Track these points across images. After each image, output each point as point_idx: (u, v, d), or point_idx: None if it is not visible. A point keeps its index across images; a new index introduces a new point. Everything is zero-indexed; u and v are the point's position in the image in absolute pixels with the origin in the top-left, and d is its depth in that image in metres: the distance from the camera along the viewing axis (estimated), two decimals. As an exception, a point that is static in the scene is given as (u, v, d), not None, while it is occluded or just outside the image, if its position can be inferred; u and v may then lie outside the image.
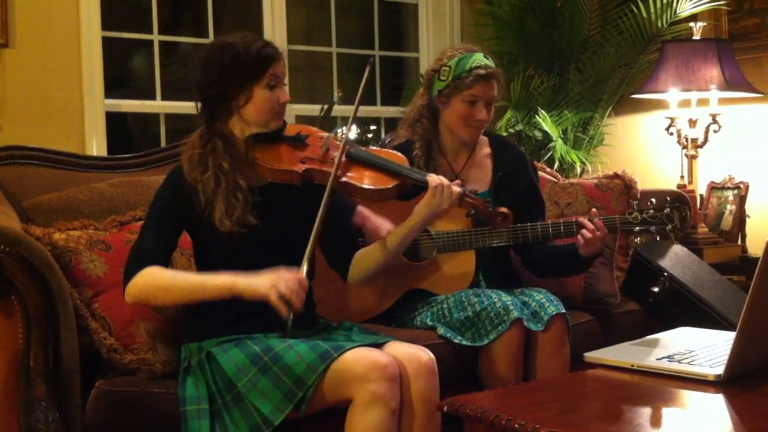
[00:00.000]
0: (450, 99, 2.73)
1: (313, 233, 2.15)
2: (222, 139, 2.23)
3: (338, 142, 2.32)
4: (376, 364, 2.03)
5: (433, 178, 2.35)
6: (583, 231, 2.54)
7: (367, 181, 2.32)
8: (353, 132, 4.55)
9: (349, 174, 2.31)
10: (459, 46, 2.84)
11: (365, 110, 4.61)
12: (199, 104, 2.26)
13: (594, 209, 2.64)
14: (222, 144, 2.22)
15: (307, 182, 2.25)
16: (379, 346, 2.16)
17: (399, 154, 2.45)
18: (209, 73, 2.22)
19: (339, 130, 4.40)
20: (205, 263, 2.28)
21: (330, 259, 2.43)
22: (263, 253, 2.20)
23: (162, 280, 2.12)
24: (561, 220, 2.67)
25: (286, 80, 2.32)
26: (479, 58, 2.70)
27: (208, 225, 2.18)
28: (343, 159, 2.31)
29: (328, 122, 3.96)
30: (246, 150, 2.27)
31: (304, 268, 2.10)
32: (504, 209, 2.47)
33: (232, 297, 2.10)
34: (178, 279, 2.15)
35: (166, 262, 2.20)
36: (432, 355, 2.17)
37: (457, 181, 2.43)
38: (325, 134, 2.39)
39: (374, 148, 2.47)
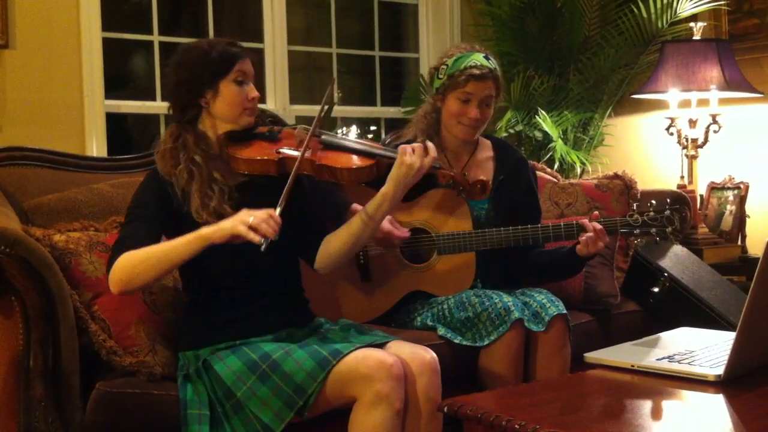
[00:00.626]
0: (445, 96, 2.74)
1: (289, 179, 2.14)
2: (193, 134, 2.26)
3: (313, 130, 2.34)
4: (382, 363, 2.03)
5: (403, 146, 2.36)
6: (585, 232, 2.55)
7: (341, 162, 2.33)
8: (353, 133, 4.56)
9: (324, 157, 2.32)
10: (464, 45, 2.85)
11: (365, 111, 4.61)
12: (170, 105, 2.31)
13: (596, 212, 2.64)
14: (193, 139, 2.25)
15: (284, 173, 2.24)
16: (378, 346, 2.16)
17: (370, 141, 2.49)
18: (178, 73, 2.27)
19: (339, 132, 4.41)
20: (188, 264, 2.25)
21: (298, 250, 2.40)
22: (242, 248, 2.17)
23: (137, 256, 2.08)
24: (561, 222, 2.66)
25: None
26: (477, 58, 2.70)
27: (186, 218, 2.17)
28: (318, 146, 2.34)
29: (327, 123, 3.96)
30: (219, 148, 2.28)
31: (278, 209, 2.08)
32: (482, 177, 2.49)
33: (204, 246, 2.07)
34: (152, 248, 2.10)
35: None
36: (434, 355, 2.17)
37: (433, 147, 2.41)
38: (298, 127, 2.41)
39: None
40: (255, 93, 2.28)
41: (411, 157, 2.31)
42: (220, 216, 2.15)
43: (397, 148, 2.37)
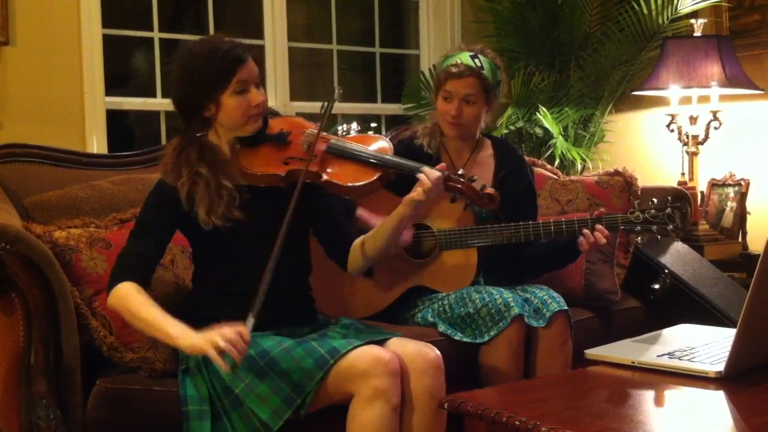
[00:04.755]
0: (436, 95, 2.80)
1: (272, 258, 2.04)
2: (197, 147, 2.23)
3: (319, 135, 2.28)
4: (379, 360, 2.03)
5: (426, 170, 2.32)
6: (582, 240, 2.55)
7: (350, 177, 2.29)
8: (353, 130, 4.55)
9: (331, 171, 2.28)
10: (464, 45, 2.87)
11: (366, 107, 4.60)
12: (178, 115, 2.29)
13: (602, 209, 2.65)
14: (196, 152, 2.22)
15: (293, 183, 2.23)
16: (379, 343, 2.16)
17: (381, 139, 2.43)
18: (179, 86, 2.24)
19: (340, 128, 4.40)
20: (200, 260, 2.32)
21: (328, 251, 2.43)
22: (254, 249, 2.20)
23: (130, 304, 2.10)
24: (563, 218, 2.66)
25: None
26: (461, 57, 2.73)
27: (195, 224, 2.20)
28: (325, 155, 2.29)
29: (328, 121, 3.96)
30: (231, 154, 2.28)
31: (251, 321, 2.00)
32: (490, 190, 2.46)
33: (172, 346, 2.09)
34: (141, 312, 2.09)
35: (149, 270, 2.20)
36: (438, 352, 2.17)
37: (441, 165, 2.40)
38: (307, 128, 2.35)
39: (353, 134, 2.45)
40: (259, 98, 2.22)
41: (427, 191, 2.28)
42: (229, 220, 2.18)
43: (420, 149, 2.35)
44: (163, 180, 2.26)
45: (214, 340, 1.97)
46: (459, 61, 2.72)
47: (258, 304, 2.00)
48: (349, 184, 2.29)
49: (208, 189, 2.19)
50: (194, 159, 2.21)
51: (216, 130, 2.27)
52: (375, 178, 2.31)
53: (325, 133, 2.33)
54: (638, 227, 2.57)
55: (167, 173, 2.24)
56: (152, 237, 2.20)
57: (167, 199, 2.22)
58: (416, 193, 2.30)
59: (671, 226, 2.55)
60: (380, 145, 2.40)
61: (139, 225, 2.24)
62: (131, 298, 2.11)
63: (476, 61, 2.72)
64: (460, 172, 2.41)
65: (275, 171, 2.25)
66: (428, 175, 2.31)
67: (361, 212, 2.63)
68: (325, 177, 2.27)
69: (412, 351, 2.14)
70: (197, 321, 2.20)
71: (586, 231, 2.55)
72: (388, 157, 2.36)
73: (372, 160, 2.33)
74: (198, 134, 2.25)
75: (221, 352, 1.94)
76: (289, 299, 2.30)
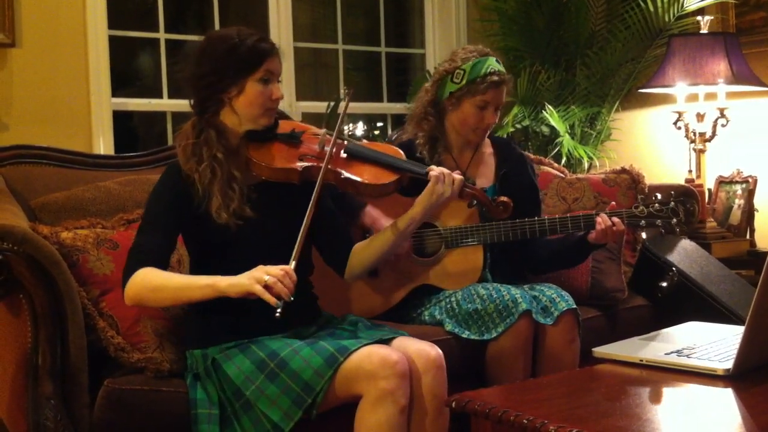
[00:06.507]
0: (461, 101, 2.74)
1: (303, 227, 2.10)
2: (215, 129, 2.21)
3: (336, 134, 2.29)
4: (387, 360, 2.02)
5: (435, 169, 2.36)
6: (599, 220, 2.55)
7: (366, 176, 2.31)
8: (360, 129, 4.55)
9: (348, 170, 2.29)
10: (471, 47, 2.81)
11: (372, 107, 4.60)
12: (191, 95, 2.25)
13: (613, 203, 2.67)
14: (215, 134, 2.20)
15: (306, 180, 2.24)
16: (385, 341, 2.15)
17: (395, 147, 2.46)
18: (203, 64, 2.20)
19: (345, 128, 4.40)
20: (200, 261, 2.27)
21: (325, 257, 2.42)
22: (259, 249, 2.18)
23: (152, 282, 2.08)
24: (568, 215, 2.66)
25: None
26: (493, 64, 2.71)
27: (204, 218, 2.16)
28: (343, 155, 2.31)
29: (334, 119, 3.96)
30: (239, 146, 2.25)
31: (293, 263, 2.05)
32: (504, 198, 2.49)
33: (216, 296, 2.05)
34: (168, 281, 2.10)
35: (164, 263, 2.16)
36: (440, 351, 2.16)
37: (457, 171, 2.43)
38: (320, 131, 2.38)
39: (367, 141, 2.46)
40: (279, 93, 2.23)
41: (442, 186, 2.33)
42: (240, 217, 2.16)
43: (424, 166, 2.38)
44: (175, 168, 2.21)
45: (259, 276, 1.99)
46: (494, 69, 2.70)
47: (299, 244, 2.06)
48: (367, 182, 2.30)
49: (223, 180, 2.16)
50: (214, 140, 2.19)
51: (227, 114, 2.23)
52: (392, 180, 2.33)
53: (340, 137, 2.34)
54: (642, 221, 2.58)
55: (188, 155, 2.19)
56: (162, 230, 2.16)
57: (178, 191, 2.18)
58: (429, 189, 2.33)
59: (675, 220, 2.56)
60: (393, 149, 2.44)
61: (148, 218, 2.20)
62: (150, 276, 2.08)
63: (501, 65, 2.74)
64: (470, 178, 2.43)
65: (291, 166, 2.23)
66: (437, 171, 2.34)
67: (370, 210, 2.61)
68: (343, 175, 2.28)
69: (414, 350, 2.13)
70: (206, 329, 2.20)
71: (602, 216, 2.55)
72: (405, 161, 2.39)
73: (390, 164, 2.36)
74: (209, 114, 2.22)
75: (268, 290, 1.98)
76: (293, 300, 2.29)
